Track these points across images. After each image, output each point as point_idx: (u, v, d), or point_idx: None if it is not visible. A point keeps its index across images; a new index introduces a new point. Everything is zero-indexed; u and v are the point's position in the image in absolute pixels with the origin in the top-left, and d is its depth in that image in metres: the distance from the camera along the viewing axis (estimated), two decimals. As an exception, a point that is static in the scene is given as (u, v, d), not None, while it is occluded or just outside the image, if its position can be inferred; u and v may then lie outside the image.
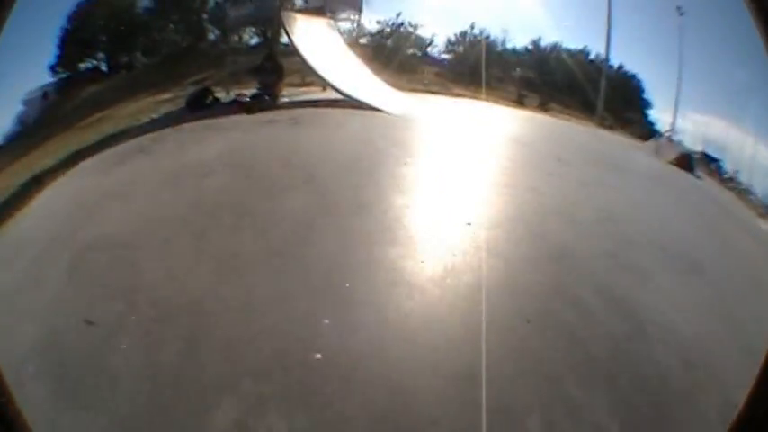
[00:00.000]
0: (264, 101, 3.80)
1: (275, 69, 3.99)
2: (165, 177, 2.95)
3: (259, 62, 4.06)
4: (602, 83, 3.62)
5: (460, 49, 4.25)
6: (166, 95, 3.76)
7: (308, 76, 3.96)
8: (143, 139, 3.35)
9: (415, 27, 4.07)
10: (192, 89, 3.91)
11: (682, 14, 3.28)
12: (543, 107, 3.82)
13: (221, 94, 3.93)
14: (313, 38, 3.95)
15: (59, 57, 3.11)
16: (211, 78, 3.94)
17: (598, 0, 3.68)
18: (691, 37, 3.26)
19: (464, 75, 3.97)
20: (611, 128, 3.68)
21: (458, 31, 4.19)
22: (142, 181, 2.94)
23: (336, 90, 3.73)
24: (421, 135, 3.73)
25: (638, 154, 3.43)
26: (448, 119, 3.86)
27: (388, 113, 3.66)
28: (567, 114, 3.71)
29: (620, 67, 3.77)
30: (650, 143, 3.45)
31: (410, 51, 4.21)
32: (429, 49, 4.17)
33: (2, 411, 1.15)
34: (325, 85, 3.86)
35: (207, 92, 4.03)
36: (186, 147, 3.33)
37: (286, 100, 3.85)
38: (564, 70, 3.86)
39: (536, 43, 4.01)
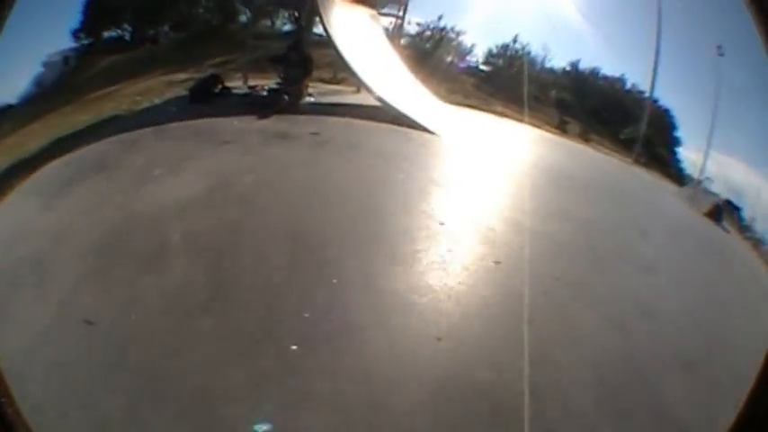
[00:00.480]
0: (283, 99, 3.42)
1: (301, 61, 3.63)
2: (98, 251, 2.00)
3: (284, 51, 3.69)
4: (645, 117, 3.54)
5: (500, 62, 4.13)
6: (181, 75, 3.53)
7: (341, 72, 3.67)
8: (115, 145, 2.77)
9: (457, 33, 3.82)
10: (210, 71, 3.62)
11: (721, 55, 3.20)
12: (584, 137, 3.68)
13: (237, 83, 3.63)
14: (352, 28, 3.62)
15: (83, 22, 2.99)
16: (232, 63, 3.72)
17: (643, 28, 3.47)
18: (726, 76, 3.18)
19: (502, 89, 3.77)
20: (645, 165, 3.62)
21: (499, 42, 4.04)
22: (65, 248, 2.01)
23: (373, 94, 3.43)
24: (473, 181, 3.03)
25: (686, 208, 3.28)
26: (499, 151, 3.51)
27: (431, 134, 3.30)
28: (606, 147, 3.59)
29: (655, 100, 3.63)
30: (686, 190, 3.40)
31: (449, 58, 4.01)
32: (468, 58, 3.91)
33: (2, 411, 1.14)
34: (360, 85, 3.56)
35: (215, 79, 3.60)
36: (155, 174, 2.46)
37: (311, 100, 3.53)
38: (602, 97, 3.82)
39: (574, 65, 3.91)
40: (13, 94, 2.66)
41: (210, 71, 3.55)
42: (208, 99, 3.45)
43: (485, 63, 4.15)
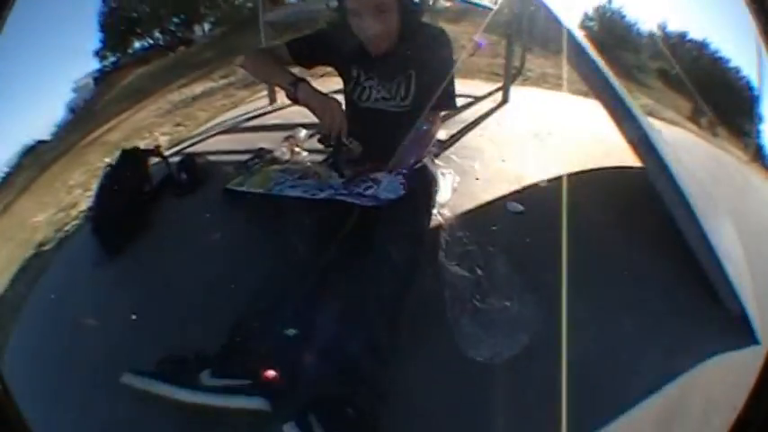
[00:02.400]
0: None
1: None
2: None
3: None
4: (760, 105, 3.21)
5: (596, 26, 3.46)
6: (197, 89, 2.99)
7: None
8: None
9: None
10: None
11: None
12: (713, 130, 3.26)
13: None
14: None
15: (104, 40, 2.74)
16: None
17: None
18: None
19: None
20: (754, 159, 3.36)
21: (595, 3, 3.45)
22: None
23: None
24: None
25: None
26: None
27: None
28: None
29: (738, 70, 3.14)
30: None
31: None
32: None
33: (2, 412, 1.13)
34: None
35: (140, 159, 2.11)
36: None
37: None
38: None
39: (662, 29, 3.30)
40: (46, 129, 2.34)
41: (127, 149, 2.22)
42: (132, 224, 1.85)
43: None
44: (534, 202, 1.94)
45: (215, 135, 2.71)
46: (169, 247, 1.85)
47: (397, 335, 1.34)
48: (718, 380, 1.45)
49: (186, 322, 1.52)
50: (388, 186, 1.59)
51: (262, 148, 2.11)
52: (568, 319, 1.33)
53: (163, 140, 2.60)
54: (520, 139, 2.55)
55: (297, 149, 2.13)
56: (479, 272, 1.52)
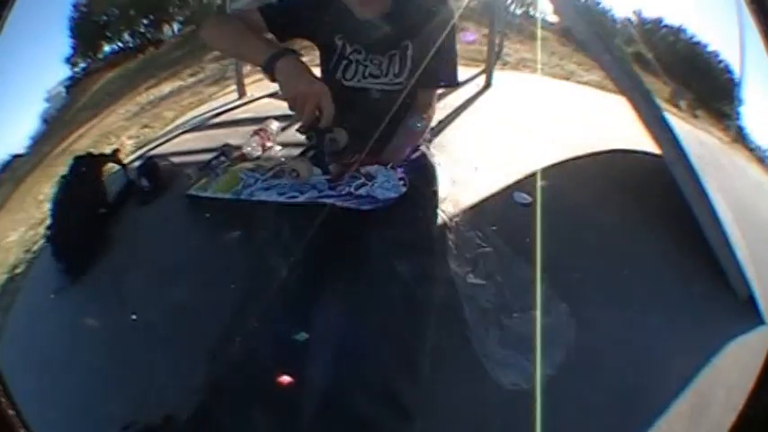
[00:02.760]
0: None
1: None
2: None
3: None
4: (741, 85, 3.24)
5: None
6: (166, 88, 2.85)
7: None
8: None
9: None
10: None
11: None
12: (694, 113, 3.27)
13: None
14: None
15: (74, 46, 2.64)
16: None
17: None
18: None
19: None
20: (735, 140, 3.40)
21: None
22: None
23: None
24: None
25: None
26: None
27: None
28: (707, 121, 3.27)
29: (716, 54, 3.16)
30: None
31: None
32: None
33: (2, 412, 1.10)
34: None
35: (95, 166, 1.88)
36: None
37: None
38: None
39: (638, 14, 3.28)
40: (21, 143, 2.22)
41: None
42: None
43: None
44: (540, 191, 1.71)
45: (180, 134, 2.56)
46: (130, 269, 1.65)
47: (420, 377, 1.07)
48: (734, 365, 1.40)
49: (153, 371, 1.33)
50: (385, 183, 1.32)
51: (227, 145, 1.89)
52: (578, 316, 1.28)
53: (129, 144, 2.49)
54: (512, 124, 2.43)
55: (269, 144, 1.93)
56: (498, 279, 1.32)
